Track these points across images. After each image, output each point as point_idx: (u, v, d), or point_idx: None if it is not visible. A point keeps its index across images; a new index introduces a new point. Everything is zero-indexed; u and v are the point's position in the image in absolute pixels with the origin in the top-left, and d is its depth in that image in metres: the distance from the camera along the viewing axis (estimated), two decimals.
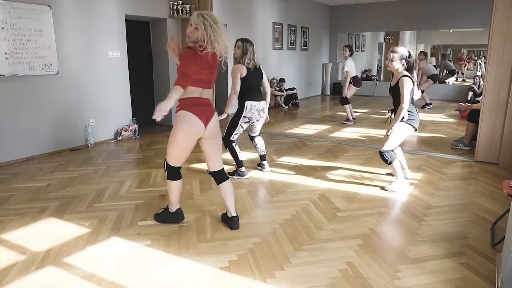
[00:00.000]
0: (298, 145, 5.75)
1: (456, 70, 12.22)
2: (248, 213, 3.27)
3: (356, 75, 7.45)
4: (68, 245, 2.72)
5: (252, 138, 4.43)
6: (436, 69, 10.70)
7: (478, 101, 7.41)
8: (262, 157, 4.49)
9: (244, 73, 3.99)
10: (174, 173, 2.89)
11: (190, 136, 2.74)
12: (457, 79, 12.63)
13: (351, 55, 7.32)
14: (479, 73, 11.54)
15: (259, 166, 4.54)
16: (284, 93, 9.81)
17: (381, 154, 3.76)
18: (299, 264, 2.47)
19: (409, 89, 3.58)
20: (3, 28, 4.55)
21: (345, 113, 7.69)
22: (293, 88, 10.20)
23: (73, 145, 5.47)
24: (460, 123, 7.41)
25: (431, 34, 14.01)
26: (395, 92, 3.68)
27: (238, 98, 4.06)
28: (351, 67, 7.29)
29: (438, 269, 2.41)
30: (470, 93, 9.68)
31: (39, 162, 4.85)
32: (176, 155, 2.82)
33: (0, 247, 2.72)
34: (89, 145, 5.60)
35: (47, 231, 2.95)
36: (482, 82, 8.66)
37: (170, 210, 3.06)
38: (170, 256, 2.57)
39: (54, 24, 5.04)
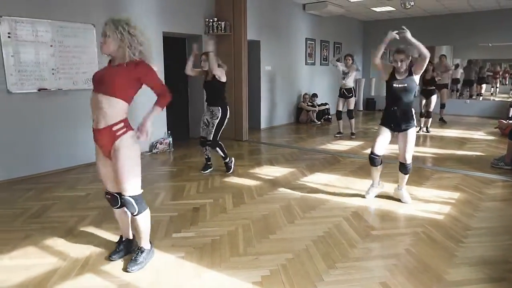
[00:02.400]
0: (330, 161, 5.71)
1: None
2: (281, 229, 3.27)
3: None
4: (106, 254, 2.81)
5: (206, 142, 4.88)
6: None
7: None
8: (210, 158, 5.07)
9: (225, 78, 4.76)
10: (143, 201, 2.58)
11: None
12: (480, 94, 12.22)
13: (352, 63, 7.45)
14: None
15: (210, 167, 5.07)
16: (317, 109, 9.80)
17: (406, 166, 3.76)
18: (332, 282, 2.45)
19: None
20: (51, 45, 4.84)
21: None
22: (326, 104, 10.17)
23: None
24: (501, 141, 7.12)
25: (469, 48, 13.63)
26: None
27: (221, 102, 4.76)
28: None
29: None
30: None
31: (79, 172, 5.06)
32: (139, 180, 2.52)
33: (44, 252, 2.85)
34: None
35: (86, 240, 3.07)
36: None
37: (146, 249, 2.67)
38: (203, 269, 2.61)
39: (97, 41, 5.31)
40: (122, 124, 2.43)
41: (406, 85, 3.64)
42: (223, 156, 4.90)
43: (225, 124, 4.83)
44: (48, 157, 4.98)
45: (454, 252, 2.85)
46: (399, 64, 3.62)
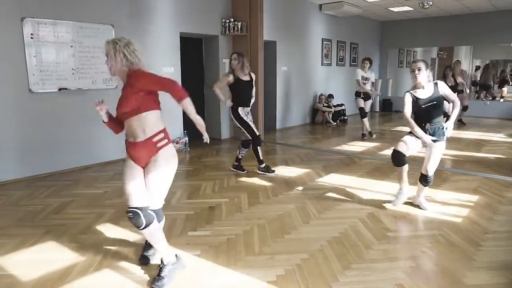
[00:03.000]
0: (346, 162, 5.67)
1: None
2: (296, 229, 3.27)
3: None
4: (123, 251, 2.86)
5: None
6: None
7: None
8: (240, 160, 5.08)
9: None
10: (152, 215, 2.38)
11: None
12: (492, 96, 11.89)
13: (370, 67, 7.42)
14: None
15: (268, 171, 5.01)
16: (333, 109, 9.74)
17: (427, 178, 3.64)
18: (347, 283, 2.43)
19: None
20: (72, 46, 4.95)
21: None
22: (342, 104, 10.10)
23: None
24: None
25: (489, 49, 13.35)
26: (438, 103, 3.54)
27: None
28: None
29: None
30: None
31: (97, 170, 5.15)
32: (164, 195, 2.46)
33: (63, 248, 2.91)
34: None
35: (104, 236, 3.13)
36: None
37: (169, 264, 2.46)
38: (218, 267, 2.63)
39: None
40: (162, 135, 2.37)
41: (436, 102, 3.51)
42: (259, 158, 4.98)
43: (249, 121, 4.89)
44: (67, 155, 5.08)
45: (472, 255, 2.80)
46: (417, 72, 3.47)
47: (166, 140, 2.38)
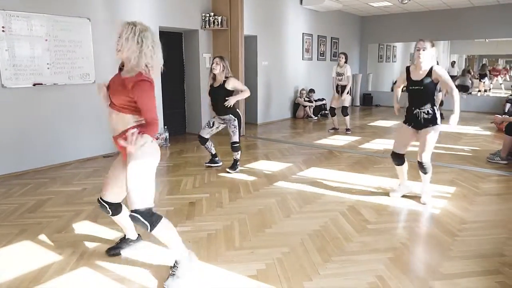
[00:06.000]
0: (327, 156, 5.71)
1: (470, 86, 11.93)
2: (277, 223, 3.27)
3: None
4: (102, 248, 2.81)
5: (205, 141, 4.88)
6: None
7: None
8: (216, 155, 5.08)
9: None
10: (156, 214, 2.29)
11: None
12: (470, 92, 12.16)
13: (346, 62, 7.43)
14: None
15: (214, 163, 5.06)
16: (314, 104, 9.80)
17: (424, 165, 3.63)
18: (328, 275, 2.45)
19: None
20: (46, 40, 4.81)
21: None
22: (323, 99, 10.16)
23: (107, 151, 5.65)
24: (497, 136, 7.15)
25: (466, 44, 13.65)
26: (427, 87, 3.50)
27: (232, 107, 4.65)
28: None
29: (472, 287, 2.32)
30: (508, 105, 9.33)
31: (75, 167, 5.04)
32: (152, 192, 2.29)
33: (39, 247, 2.84)
34: None
35: (81, 234, 3.06)
36: None
37: (183, 260, 2.41)
38: (199, 263, 2.61)
39: (93, 35, 5.28)
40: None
41: (422, 87, 3.51)
42: (238, 158, 4.88)
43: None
44: (44, 153, 4.95)
45: (449, 246, 2.86)
46: (421, 52, 3.41)
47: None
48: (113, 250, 2.73)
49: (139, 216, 2.19)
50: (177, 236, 2.40)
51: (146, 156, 2.23)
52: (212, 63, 4.57)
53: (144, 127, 2.14)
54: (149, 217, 2.22)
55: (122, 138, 2.06)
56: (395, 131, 3.74)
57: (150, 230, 2.23)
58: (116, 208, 2.57)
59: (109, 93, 2.34)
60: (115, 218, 2.65)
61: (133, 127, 2.16)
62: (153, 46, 2.26)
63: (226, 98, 4.51)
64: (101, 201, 2.53)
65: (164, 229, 2.30)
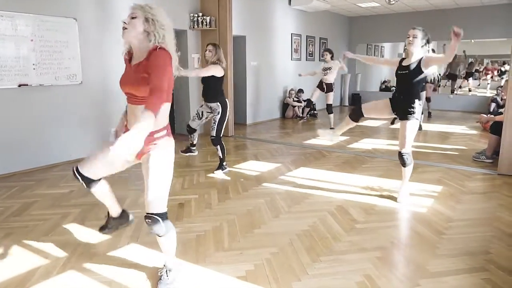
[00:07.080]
0: (316, 156, 5.73)
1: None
2: (266, 223, 3.28)
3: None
4: (89, 251, 2.78)
5: (193, 131, 5.08)
6: None
7: (501, 113, 7.26)
8: (194, 145, 5.31)
9: (222, 73, 4.55)
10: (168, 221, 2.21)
11: None
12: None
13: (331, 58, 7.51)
14: (502, 84, 11.32)
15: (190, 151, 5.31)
16: (303, 104, 9.82)
17: (403, 155, 3.64)
18: (316, 275, 2.46)
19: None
20: (32, 40, 4.74)
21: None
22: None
23: None
24: (482, 135, 7.26)
25: None
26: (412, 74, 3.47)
27: (220, 97, 4.63)
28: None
29: (459, 285, 2.36)
30: (493, 105, 9.48)
31: (62, 169, 4.97)
32: (167, 196, 2.20)
33: (25, 251, 2.80)
34: None
35: (69, 237, 3.03)
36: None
37: (174, 267, 2.40)
38: (187, 264, 2.60)
39: (79, 36, 5.22)
40: (165, 132, 2.15)
41: (407, 71, 3.50)
42: (221, 157, 4.75)
43: (226, 119, 4.72)
44: (30, 155, 4.88)
45: (436, 244, 2.89)
46: (411, 39, 3.43)
47: (165, 131, 2.16)
48: (104, 229, 2.70)
49: (160, 221, 2.11)
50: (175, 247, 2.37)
51: (169, 156, 2.17)
52: (205, 50, 4.62)
53: (147, 100, 1.84)
54: (167, 222, 2.17)
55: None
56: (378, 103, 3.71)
57: (163, 235, 2.17)
58: (90, 182, 2.43)
59: (126, 89, 2.15)
60: (96, 194, 2.53)
61: (161, 130, 2.11)
62: (163, 28, 2.16)
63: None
64: (76, 173, 2.37)
65: (173, 236, 2.27)
